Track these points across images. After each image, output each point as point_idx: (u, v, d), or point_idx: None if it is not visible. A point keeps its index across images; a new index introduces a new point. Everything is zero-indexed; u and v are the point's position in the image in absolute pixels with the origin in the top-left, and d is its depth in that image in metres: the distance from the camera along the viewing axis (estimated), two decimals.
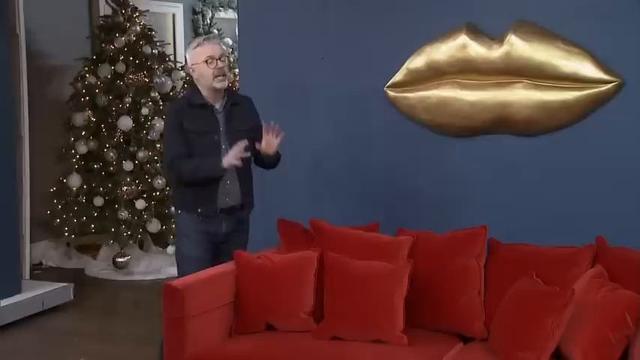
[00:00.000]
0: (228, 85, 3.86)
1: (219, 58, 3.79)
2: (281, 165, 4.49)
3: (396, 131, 4.25)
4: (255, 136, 3.87)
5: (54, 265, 7.14)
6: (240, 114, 3.91)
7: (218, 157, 3.73)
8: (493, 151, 4.04)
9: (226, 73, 3.83)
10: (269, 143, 3.79)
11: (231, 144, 3.79)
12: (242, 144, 3.66)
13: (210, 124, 3.82)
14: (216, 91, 3.83)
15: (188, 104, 3.87)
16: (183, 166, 3.77)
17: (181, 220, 3.94)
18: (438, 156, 4.18)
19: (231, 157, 3.68)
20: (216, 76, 3.77)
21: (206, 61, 3.77)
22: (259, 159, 3.96)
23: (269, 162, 3.94)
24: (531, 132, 3.94)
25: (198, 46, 3.83)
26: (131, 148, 6.60)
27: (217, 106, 3.86)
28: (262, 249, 3.94)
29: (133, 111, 6.59)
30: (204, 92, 3.85)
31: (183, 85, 6.99)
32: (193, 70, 3.85)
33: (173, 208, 4.11)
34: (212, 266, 3.91)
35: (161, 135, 6.31)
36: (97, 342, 5.16)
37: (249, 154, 3.74)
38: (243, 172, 3.86)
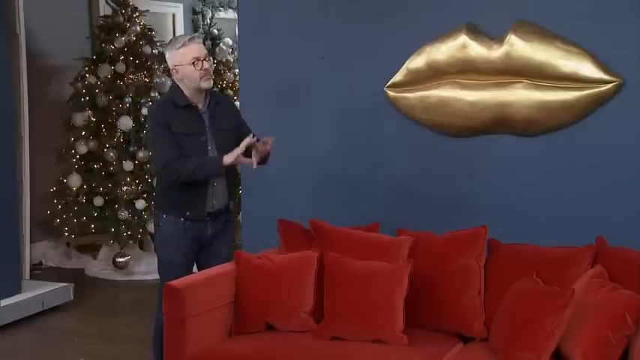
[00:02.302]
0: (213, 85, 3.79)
1: (205, 59, 3.72)
2: (281, 165, 4.50)
3: (396, 131, 4.25)
4: (237, 134, 3.84)
5: (54, 265, 7.15)
6: (223, 113, 3.85)
7: (219, 156, 3.68)
8: (493, 151, 4.04)
9: (211, 73, 3.76)
10: (262, 156, 3.73)
11: (216, 144, 3.76)
12: (248, 140, 3.59)
13: (196, 125, 3.75)
14: (200, 91, 3.76)
15: (172, 105, 3.77)
16: (181, 167, 3.68)
17: (166, 225, 3.83)
18: (438, 156, 4.17)
19: (234, 156, 3.61)
20: (202, 77, 3.71)
21: (193, 63, 3.68)
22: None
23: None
24: (531, 132, 3.94)
25: (182, 46, 3.71)
26: (131, 148, 6.60)
27: (201, 106, 3.79)
28: (262, 249, 3.94)
29: (133, 111, 6.58)
30: (188, 93, 3.76)
31: None
32: (177, 72, 3.74)
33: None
34: (193, 269, 3.90)
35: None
36: (97, 342, 5.16)
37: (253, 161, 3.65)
38: (231, 172, 3.83)
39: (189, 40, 3.75)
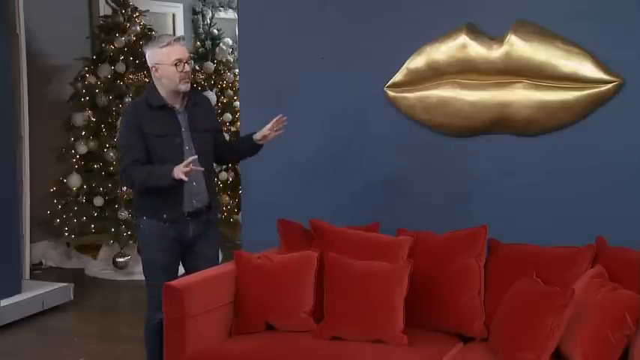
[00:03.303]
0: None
1: (186, 62, 3.70)
2: (280, 164, 4.51)
3: (396, 131, 4.25)
4: (216, 135, 3.87)
5: (54, 265, 7.15)
6: (203, 114, 3.83)
7: (171, 167, 3.57)
8: (493, 151, 4.04)
9: (190, 76, 3.73)
10: (268, 136, 3.79)
11: (196, 144, 3.74)
12: (191, 159, 3.55)
13: (170, 126, 3.72)
14: (177, 93, 3.73)
15: (147, 106, 3.74)
16: (135, 174, 3.65)
17: (146, 227, 3.81)
18: (438, 156, 4.17)
19: (180, 171, 3.52)
20: (182, 79, 3.68)
21: (175, 64, 3.65)
22: (234, 151, 4.00)
23: (249, 153, 3.96)
24: (531, 132, 3.94)
25: (167, 45, 3.68)
26: None
27: (177, 106, 3.76)
28: (262, 249, 3.94)
29: None
30: (164, 93, 3.73)
31: None
32: (156, 70, 3.71)
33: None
34: (178, 271, 3.90)
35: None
36: (97, 342, 5.16)
37: (202, 169, 3.65)
38: (207, 171, 3.80)
39: (175, 40, 3.73)
